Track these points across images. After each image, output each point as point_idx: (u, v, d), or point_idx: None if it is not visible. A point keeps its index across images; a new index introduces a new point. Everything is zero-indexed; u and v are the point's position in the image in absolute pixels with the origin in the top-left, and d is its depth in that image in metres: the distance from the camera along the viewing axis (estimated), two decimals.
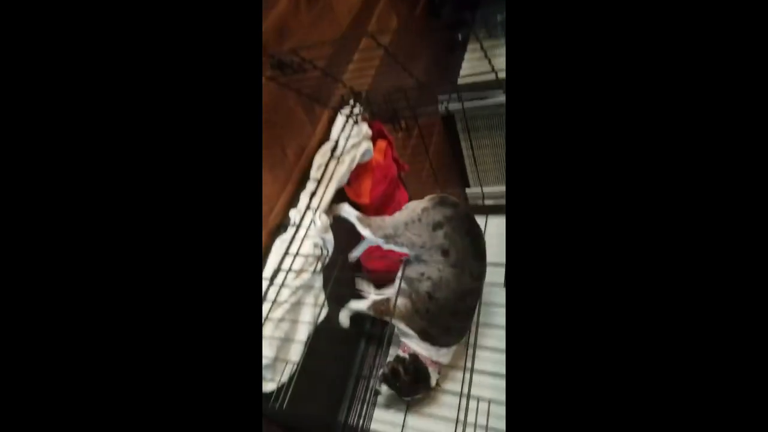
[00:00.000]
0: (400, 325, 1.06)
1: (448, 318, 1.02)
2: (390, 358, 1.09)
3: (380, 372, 1.06)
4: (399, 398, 1.08)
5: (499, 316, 1.13)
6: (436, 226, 1.00)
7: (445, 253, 0.99)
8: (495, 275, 0.67)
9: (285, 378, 0.87)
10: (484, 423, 0.66)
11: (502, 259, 0.67)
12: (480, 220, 1.42)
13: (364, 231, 1.05)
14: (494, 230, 1.28)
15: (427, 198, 1.06)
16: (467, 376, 0.98)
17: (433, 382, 1.06)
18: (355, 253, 1.22)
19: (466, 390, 0.76)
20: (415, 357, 1.04)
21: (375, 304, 1.09)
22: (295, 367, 0.85)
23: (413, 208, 1.04)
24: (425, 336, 1.04)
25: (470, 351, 0.97)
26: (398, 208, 1.43)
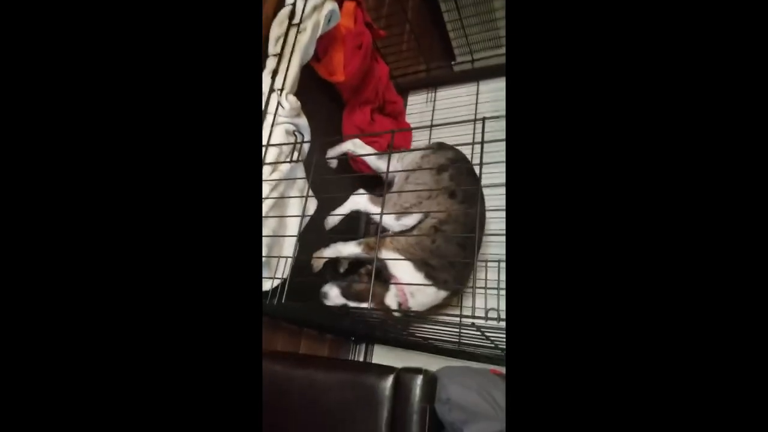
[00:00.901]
0: (395, 255, 0.94)
1: (456, 250, 0.94)
2: None
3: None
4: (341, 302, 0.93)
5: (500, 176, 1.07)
6: (441, 169, 0.96)
7: (452, 194, 0.95)
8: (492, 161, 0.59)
9: (281, 273, 0.83)
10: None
11: (501, 125, 0.58)
12: (471, 86, 1.28)
13: (376, 209, 0.98)
14: (488, 96, 1.15)
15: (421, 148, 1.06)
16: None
17: (391, 303, 0.93)
18: (333, 153, 1.13)
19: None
20: (383, 265, 0.92)
21: (366, 244, 0.99)
22: (290, 261, 0.81)
23: (411, 159, 1.02)
24: (422, 266, 0.93)
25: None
26: (379, 85, 1.27)
